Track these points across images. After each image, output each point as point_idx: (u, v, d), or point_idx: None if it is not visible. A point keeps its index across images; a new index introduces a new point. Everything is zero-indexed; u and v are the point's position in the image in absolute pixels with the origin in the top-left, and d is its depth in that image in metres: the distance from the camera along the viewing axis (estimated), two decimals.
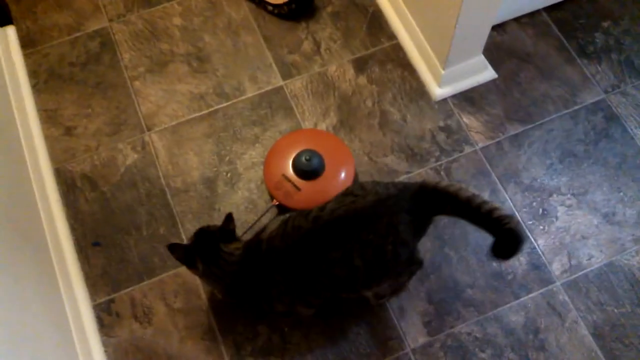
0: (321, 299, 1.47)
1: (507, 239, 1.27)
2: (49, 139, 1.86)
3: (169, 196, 1.77)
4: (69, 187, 1.79)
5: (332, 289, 1.41)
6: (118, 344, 1.60)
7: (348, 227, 1.32)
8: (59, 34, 2.03)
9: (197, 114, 1.89)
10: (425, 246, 1.68)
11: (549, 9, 2.02)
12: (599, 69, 1.93)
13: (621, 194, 1.75)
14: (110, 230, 1.73)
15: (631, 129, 1.83)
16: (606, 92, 1.89)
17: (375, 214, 1.32)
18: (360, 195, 1.35)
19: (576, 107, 1.87)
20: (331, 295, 1.45)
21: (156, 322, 1.62)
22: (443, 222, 1.71)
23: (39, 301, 1.48)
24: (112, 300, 1.65)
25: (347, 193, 1.39)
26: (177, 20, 2.04)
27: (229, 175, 1.80)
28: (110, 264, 1.69)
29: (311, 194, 1.69)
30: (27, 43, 2.01)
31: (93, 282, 1.67)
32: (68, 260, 1.67)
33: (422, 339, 1.59)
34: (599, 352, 1.56)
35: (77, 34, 2.03)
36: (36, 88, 1.94)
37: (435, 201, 1.34)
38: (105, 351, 1.59)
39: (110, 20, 2.05)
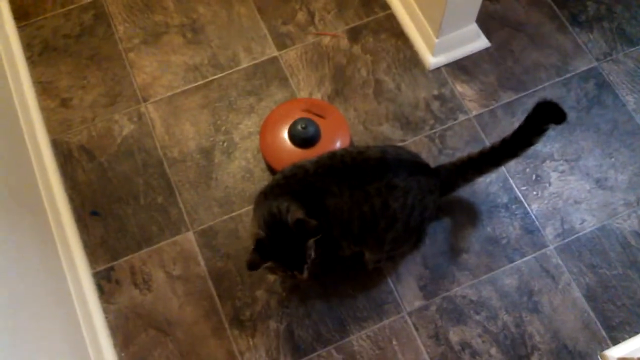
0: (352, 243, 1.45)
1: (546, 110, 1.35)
2: (45, 111, 1.83)
3: (165, 166, 1.75)
4: (66, 158, 1.76)
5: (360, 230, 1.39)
6: (118, 311, 1.58)
7: (384, 170, 1.35)
8: (52, 7, 1.98)
9: (192, 85, 1.86)
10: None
11: None
12: (591, 37, 1.90)
13: (613, 159, 1.73)
14: (108, 200, 1.71)
15: (622, 96, 1.81)
16: (598, 59, 1.87)
17: (413, 168, 1.39)
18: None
19: (568, 75, 1.85)
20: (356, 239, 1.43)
21: (155, 289, 1.60)
22: None
23: (40, 269, 1.46)
24: (111, 268, 1.63)
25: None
26: None
27: (225, 144, 1.77)
28: (109, 232, 1.67)
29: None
30: (20, 16, 1.96)
31: (92, 251, 1.65)
32: (67, 229, 1.65)
33: (417, 303, 1.58)
34: (591, 314, 1.56)
35: (71, 6, 1.97)
36: (31, 60, 1.90)
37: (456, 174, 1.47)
38: (106, 317, 1.57)
39: None
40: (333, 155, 1.39)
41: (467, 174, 1.51)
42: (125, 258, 1.64)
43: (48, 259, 1.53)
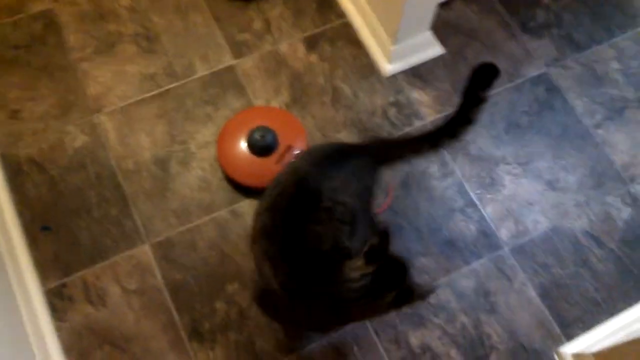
0: None
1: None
2: None
3: (119, 177, 1.71)
4: (15, 171, 1.70)
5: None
6: (71, 328, 1.53)
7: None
8: None
9: (147, 95, 1.82)
10: (379, 217, 1.67)
11: None
12: (540, 43, 1.95)
13: (563, 161, 1.77)
14: (60, 214, 1.65)
15: (571, 100, 1.86)
16: (547, 65, 1.91)
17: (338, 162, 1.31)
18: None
19: (520, 80, 1.88)
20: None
21: (111, 304, 1.56)
22: (395, 195, 1.70)
23: None
24: (64, 285, 1.58)
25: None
26: (125, 1, 1.95)
27: (181, 154, 1.74)
28: (60, 247, 1.62)
29: (265, 171, 1.66)
30: None
31: (43, 267, 1.59)
32: (17, 246, 1.59)
33: None
34: (546, 312, 1.58)
35: (20, 15, 1.92)
36: None
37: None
38: (59, 336, 1.52)
39: (55, 1, 1.94)
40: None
41: (405, 152, 1.42)
42: (78, 273, 1.59)
43: None
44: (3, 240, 1.57)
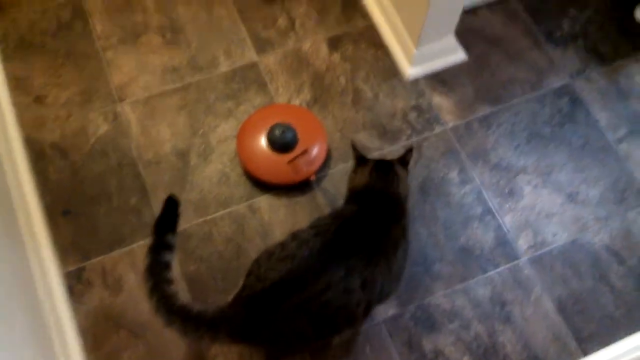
0: None
1: None
2: (18, 107, 1.76)
3: (140, 167, 1.70)
4: (39, 155, 1.70)
5: None
6: (88, 312, 1.52)
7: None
8: (29, 1, 1.92)
9: (170, 86, 1.81)
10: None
11: None
12: (565, 54, 1.92)
13: (585, 174, 1.74)
14: (81, 200, 1.65)
15: (595, 113, 1.83)
16: (571, 77, 1.88)
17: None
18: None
19: (543, 91, 1.86)
20: None
21: (127, 290, 1.55)
22: (413, 200, 1.68)
23: (7, 267, 1.39)
24: (82, 269, 1.57)
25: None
26: None
27: (202, 147, 1.73)
28: (80, 232, 1.61)
29: (284, 167, 1.64)
30: None
31: (63, 251, 1.59)
32: (37, 228, 1.59)
33: (392, 311, 1.56)
34: (562, 325, 1.56)
35: (48, 3, 1.92)
36: (5, 54, 1.83)
37: None
38: (75, 318, 1.51)
39: None
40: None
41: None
42: (97, 259, 1.58)
43: (15, 257, 1.47)
44: (25, 223, 1.56)
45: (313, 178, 1.68)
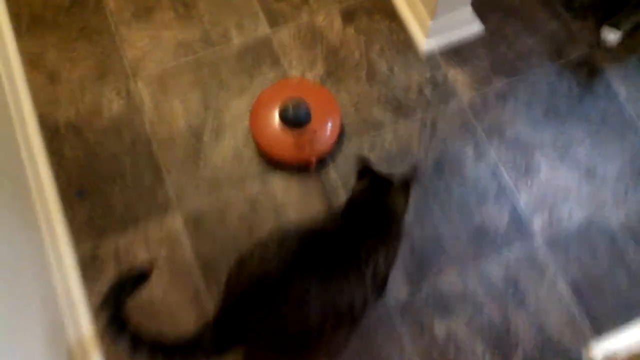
0: None
1: None
2: (32, 84, 1.69)
3: (154, 145, 1.62)
4: (53, 133, 1.63)
5: None
6: (101, 292, 1.46)
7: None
8: None
9: (182, 60, 1.72)
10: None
11: None
12: (585, 24, 1.77)
13: (603, 150, 1.63)
14: (95, 178, 1.59)
15: (615, 86, 1.69)
16: (591, 47, 1.74)
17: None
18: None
19: (561, 62, 1.73)
20: None
21: None
22: (427, 175, 1.58)
23: (22, 246, 1.34)
24: (96, 247, 1.52)
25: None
26: None
27: (215, 124, 1.64)
28: (94, 212, 1.55)
29: (297, 143, 1.55)
30: None
31: (77, 230, 1.53)
32: (51, 206, 1.54)
33: (403, 294, 1.48)
34: (577, 308, 1.47)
35: None
36: (18, 31, 1.75)
37: None
38: (88, 298, 1.47)
39: None
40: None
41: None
42: (111, 238, 1.53)
43: (30, 235, 1.42)
44: (39, 201, 1.51)
45: (313, 164, 1.57)
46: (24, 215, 1.42)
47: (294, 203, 1.56)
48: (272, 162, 1.60)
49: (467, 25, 1.76)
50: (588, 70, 1.72)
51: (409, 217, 1.53)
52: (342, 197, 1.57)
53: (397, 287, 1.48)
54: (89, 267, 1.50)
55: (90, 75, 1.70)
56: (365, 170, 1.33)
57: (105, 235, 1.53)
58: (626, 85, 1.69)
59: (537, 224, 1.55)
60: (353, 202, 1.27)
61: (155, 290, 1.48)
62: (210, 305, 1.46)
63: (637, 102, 1.67)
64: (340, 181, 1.59)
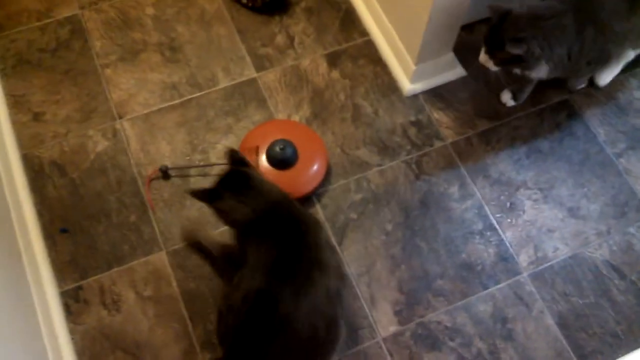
0: None
1: None
2: (16, 125, 1.78)
3: (139, 184, 1.71)
4: (37, 173, 1.71)
5: None
6: (85, 332, 1.52)
7: None
8: (27, 20, 1.94)
9: (169, 103, 1.83)
10: (396, 236, 1.66)
11: None
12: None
13: (585, 189, 1.76)
14: (79, 217, 1.66)
15: (594, 128, 1.85)
16: (570, 92, 1.90)
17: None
18: None
19: (541, 106, 1.88)
20: None
21: (125, 309, 1.55)
22: (414, 214, 1.69)
23: (4, 286, 1.39)
24: (80, 287, 1.57)
25: None
26: (150, 10, 1.97)
27: (202, 164, 1.74)
28: (78, 250, 1.61)
29: (284, 184, 1.65)
30: None
31: (61, 269, 1.59)
32: (35, 246, 1.59)
33: (392, 328, 1.56)
34: (564, 341, 1.56)
35: (47, 20, 1.94)
36: (4, 73, 1.85)
37: None
38: (72, 338, 1.51)
39: (82, 7, 1.97)
40: None
41: None
42: (95, 277, 1.58)
43: (13, 275, 1.47)
44: (22, 240, 1.57)
45: None
46: (7, 256, 1.48)
47: None
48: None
49: (449, 70, 1.91)
50: (567, 114, 1.87)
51: (396, 253, 1.63)
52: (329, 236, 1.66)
53: (387, 323, 1.56)
54: (72, 306, 1.55)
55: (76, 117, 1.80)
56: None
57: (89, 273, 1.58)
58: (604, 128, 1.85)
59: (523, 259, 1.65)
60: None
61: (140, 330, 1.52)
62: (197, 342, 1.52)
63: (616, 144, 1.83)
64: (328, 223, 1.69)
